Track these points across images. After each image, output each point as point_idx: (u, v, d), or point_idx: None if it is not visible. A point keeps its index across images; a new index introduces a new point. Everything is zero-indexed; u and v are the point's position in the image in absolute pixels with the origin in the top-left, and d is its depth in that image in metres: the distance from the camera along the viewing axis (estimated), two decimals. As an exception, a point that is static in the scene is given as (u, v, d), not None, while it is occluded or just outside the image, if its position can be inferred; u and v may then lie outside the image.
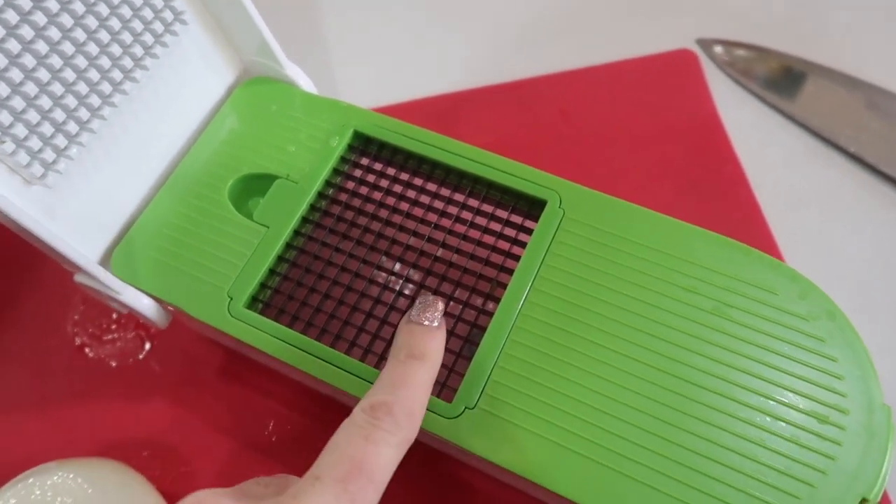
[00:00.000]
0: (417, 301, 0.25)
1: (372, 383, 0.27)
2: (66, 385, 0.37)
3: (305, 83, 0.34)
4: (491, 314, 0.28)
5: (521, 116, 0.43)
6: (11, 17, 0.24)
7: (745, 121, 0.42)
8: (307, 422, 0.35)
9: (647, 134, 0.41)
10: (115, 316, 0.39)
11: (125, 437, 0.35)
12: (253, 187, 0.32)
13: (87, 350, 0.38)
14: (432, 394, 0.26)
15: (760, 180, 0.40)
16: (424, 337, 0.24)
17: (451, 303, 0.29)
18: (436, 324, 0.25)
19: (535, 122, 0.42)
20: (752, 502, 0.23)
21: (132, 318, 0.39)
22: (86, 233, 0.29)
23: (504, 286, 0.28)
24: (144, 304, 0.29)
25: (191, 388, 0.36)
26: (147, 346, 0.38)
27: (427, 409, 0.26)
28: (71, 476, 0.30)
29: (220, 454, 0.35)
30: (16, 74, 0.24)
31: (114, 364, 0.37)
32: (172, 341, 0.38)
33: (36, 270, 0.41)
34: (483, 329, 0.27)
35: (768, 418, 0.25)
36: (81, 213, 0.29)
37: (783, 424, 0.24)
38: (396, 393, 0.22)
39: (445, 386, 0.27)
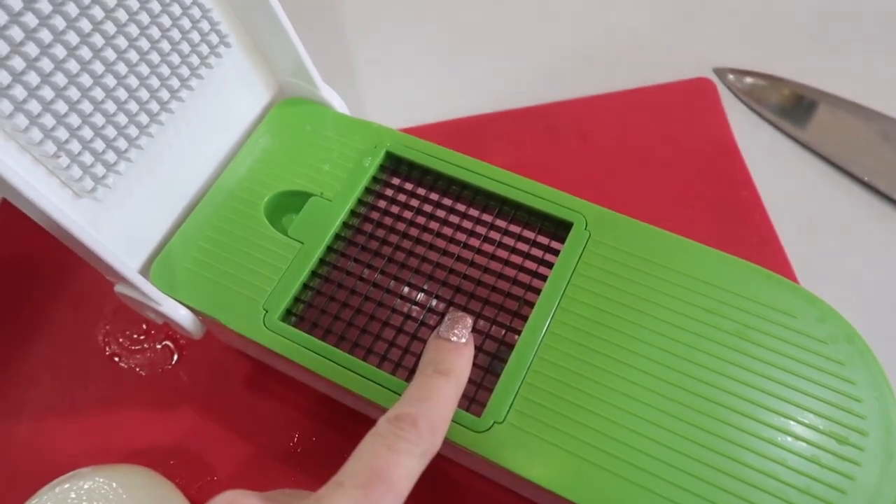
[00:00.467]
0: (446, 317, 0.26)
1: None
2: (96, 393, 0.38)
3: (339, 104, 0.35)
4: (518, 332, 0.29)
5: (543, 140, 0.44)
6: (73, 38, 0.25)
7: (760, 147, 0.43)
8: (332, 434, 0.36)
9: (666, 158, 0.42)
10: (144, 327, 0.40)
11: (153, 445, 0.36)
12: (287, 204, 0.33)
13: (116, 359, 0.39)
14: (461, 407, 0.27)
15: (776, 206, 0.41)
16: (452, 353, 0.25)
17: (479, 320, 0.30)
18: (464, 340, 0.25)
19: (556, 146, 0.43)
20: (774, 519, 0.24)
21: (161, 330, 0.40)
22: (128, 245, 0.30)
23: (531, 305, 0.29)
24: (182, 315, 0.30)
25: (218, 399, 0.37)
26: (175, 356, 0.39)
27: (456, 423, 0.27)
28: (105, 481, 0.31)
29: (246, 464, 0.36)
30: (73, 93, 0.26)
31: (143, 373, 0.38)
32: (200, 352, 0.39)
33: (68, 282, 0.42)
34: (510, 346, 0.28)
35: (789, 438, 0.25)
36: (124, 225, 0.30)
37: (804, 444, 0.25)
38: (421, 406, 0.23)
39: (474, 401, 0.28)
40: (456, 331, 0.25)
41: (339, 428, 0.36)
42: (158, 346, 0.39)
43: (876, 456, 0.25)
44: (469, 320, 0.26)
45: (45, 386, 0.38)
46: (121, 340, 0.39)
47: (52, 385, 0.38)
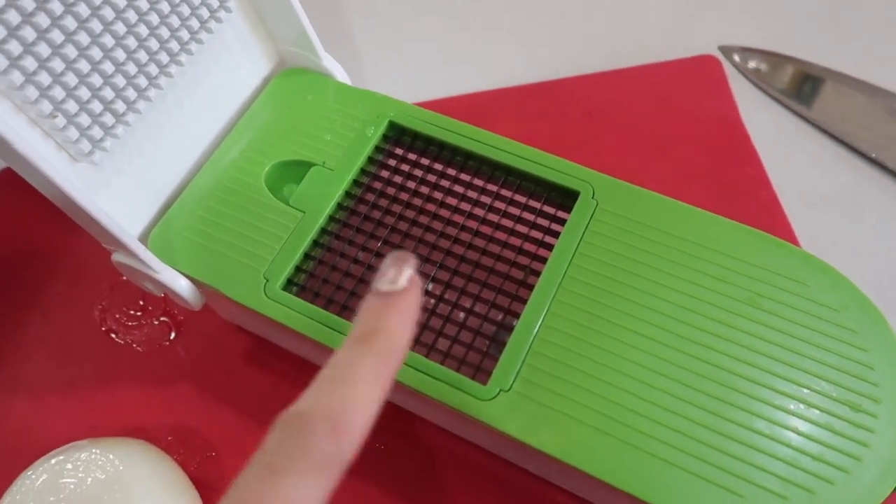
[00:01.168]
0: (382, 264, 0.20)
1: (408, 365, 0.27)
2: (92, 370, 0.37)
3: (341, 75, 0.35)
4: (524, 301, 0.28)
5: (548, 116, 0.43)
6: (70, -6, 0.24)
7: (766, 125, 0.43)
8: (333, 409, 0.35)
9: (672, 135, 0.42)
10: (141, 303, 0.39)
11: (150, 421, 0.36)
12: (288, 174, 0.33)
13: (113, 335, 0.38)
14: (467, 375, 0.27)
15: (782, 182, 0.40)
16: (378, 310, 0.19)
17: (485, 289, 0.29)
18: (399, 285, 0.19)
19: (562, 123, 0.43)
20: (787, 486, 0.24)
21: (158, 306, 0.39)
22: (126, 212, 0.30)
23: (537, 274, 0.29)
24: (181, 285, 0.30)
25: (216, 375, 0.37)
26: (173, 332, 0.38)
27: (461, 391, 0.26)
28: (102, 453, 0.30)
29: (245, 440, 0.35)
30: (70, 51, 0.25)
31: (140, 349, 0.38)
32: (198, 328, 0.38)
33: (63, 258, 0.41)
34: (516, 315, 0.28)
35: (802, 406, 0.25)
36: (122, 192, 0.29)
37: (817, 412, 0.25)
38: (321, 398, 0.18)
39: (480, 369, 0.28)
40: (388, 276, 0.19)
41: (341, 404, 0.35)
42: (156, 322, 0.38)
43: (890, 423, 0.24)
44: (411, 259, 0.20)
45: (40, 362, 0.38)
46: (117, 316, 0.39)
47: (47, 362, 0.38)
